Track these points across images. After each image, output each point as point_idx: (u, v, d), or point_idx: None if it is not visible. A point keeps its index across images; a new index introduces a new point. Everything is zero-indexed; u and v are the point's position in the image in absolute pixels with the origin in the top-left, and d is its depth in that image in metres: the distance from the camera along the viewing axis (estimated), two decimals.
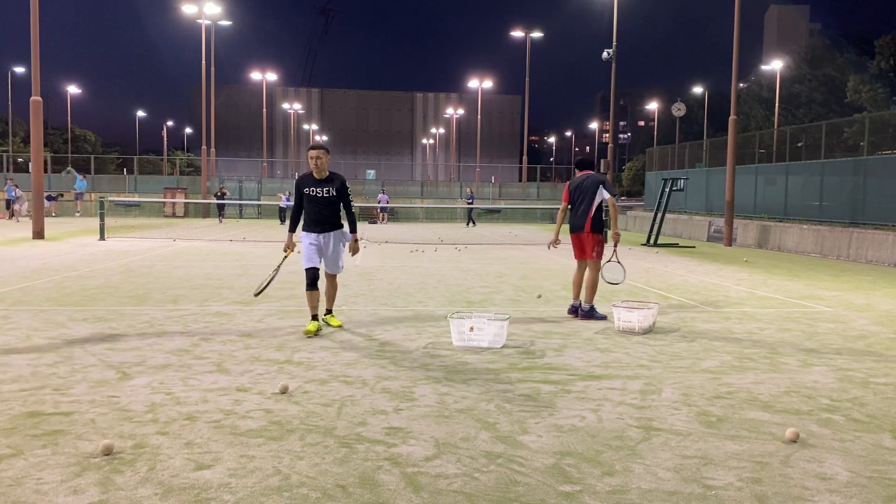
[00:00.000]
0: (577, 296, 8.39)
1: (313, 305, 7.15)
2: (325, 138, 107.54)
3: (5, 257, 14.66)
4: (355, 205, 8.60)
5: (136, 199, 38.14)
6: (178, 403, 4.69)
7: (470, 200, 37.07)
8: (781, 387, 5.35)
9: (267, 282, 7.41)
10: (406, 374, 5.57)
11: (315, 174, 7.07)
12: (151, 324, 7.56)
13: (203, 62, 40.70)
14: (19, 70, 63.86)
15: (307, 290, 7.15)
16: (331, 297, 7.54)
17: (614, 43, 29.98)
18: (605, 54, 30.56)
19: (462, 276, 12.43)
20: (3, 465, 3.61)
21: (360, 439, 4.06)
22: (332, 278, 7.47)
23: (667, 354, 6.40)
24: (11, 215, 31.01)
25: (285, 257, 7.44)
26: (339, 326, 7.39)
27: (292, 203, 7.44)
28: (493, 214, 40.62)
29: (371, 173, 61.90)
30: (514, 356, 6.23)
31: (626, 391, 5.16)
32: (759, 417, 4.59)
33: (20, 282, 10.77)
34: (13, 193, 31.26)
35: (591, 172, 8.43)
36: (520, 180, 59.27)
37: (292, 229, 7.30)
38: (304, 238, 7.21)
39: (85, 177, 38.44)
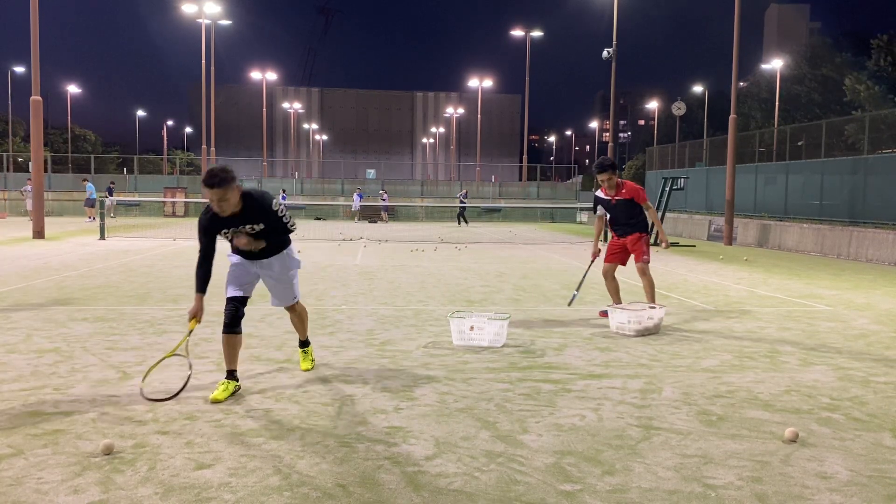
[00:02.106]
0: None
1: (229, 355, 4.97)
2: (325, 138, 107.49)
3: (5, 257, 14.66)
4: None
5: (136, 198, 38.12)
6: (178, 403, 4.69)
7: (462, 200, 37.05)
8: (782, 386, 5.35)
9: (157, 362, 5.13)
10: (406, 373, 5.57)
11: (222, 215, 4.77)
12: (151, 323, 7.56)
13: (203, 62, 40.72)
14: (19, 70, 63.90)
15: (224, 332, 4.98)
16: (298, 326, 5.59)
17: (614, 42, 29.97)
18: (605, 53, 30.55)
19: (462, 276, 12.43)
20: (3, 465, 3.61)
21: (361, 438, 4.06)
22: (291, 307, 5.46)
23: (667, 353, 6.40)
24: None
25: (190, 332, 4.99)
26: (308, 370, 5.60)
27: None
28: (492, 214, 40.63)
29: (371, 172, 61.92)
30: (514, 355, 6.23)
31: (627, 390, 5.16)
32: (759, 416, 4.59)
33: (20, 281, 10.78)
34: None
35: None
36: (520, 179, 59.23)
37: (201, 289, 4.82)
38: (231, 258, 5.18)
39: (88, 179, 38.39)
